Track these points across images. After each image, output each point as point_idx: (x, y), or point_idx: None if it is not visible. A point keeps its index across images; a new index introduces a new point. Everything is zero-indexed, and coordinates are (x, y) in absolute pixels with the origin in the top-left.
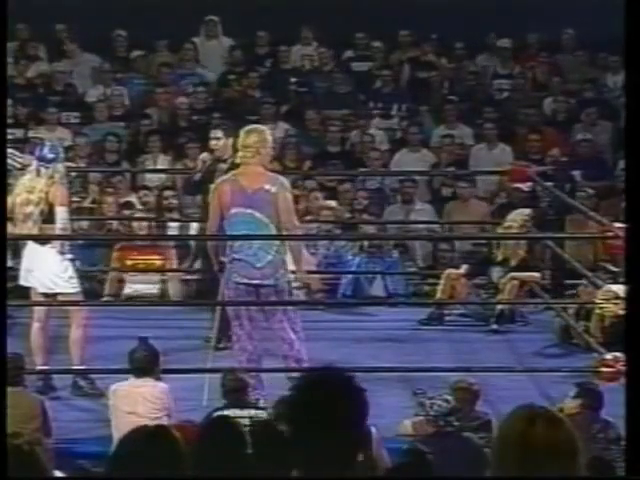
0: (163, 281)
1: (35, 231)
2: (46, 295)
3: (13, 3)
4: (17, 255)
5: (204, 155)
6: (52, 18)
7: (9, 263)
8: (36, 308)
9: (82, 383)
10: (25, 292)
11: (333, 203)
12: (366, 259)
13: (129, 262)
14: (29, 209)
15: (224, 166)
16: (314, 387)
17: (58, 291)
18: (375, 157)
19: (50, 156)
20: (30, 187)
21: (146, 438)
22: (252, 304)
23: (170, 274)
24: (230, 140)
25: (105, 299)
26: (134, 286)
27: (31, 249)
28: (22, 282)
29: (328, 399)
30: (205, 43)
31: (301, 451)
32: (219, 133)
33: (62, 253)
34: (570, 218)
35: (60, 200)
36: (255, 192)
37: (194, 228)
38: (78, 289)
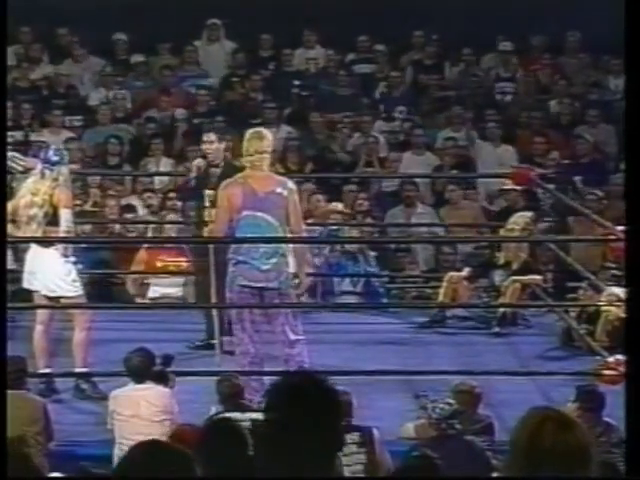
0: (185, 284)
1: (39, 233)
2: (49, 298)
3: (16, 6)
4: (20, 257)
5: (198, 161)
6: (55, 21)
7: (13, 266)
8: (39, 311)
9: (85, 386)
10: (28, 295)
11: (340, 206)
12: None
13: (159, 264)
14: (33, 211)
15: (217, 171)
16: (283, 391)
17: (61, 294)
18: (378, 160)
19: (55, 159)
20: (34, 189)
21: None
22: (254, 307)
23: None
24: (223, 144)
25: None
26: (159, 289)
27: (34, 252)
28: (25, 285)
29: (296, 402)
30: (207, 46)
31: (280, 452)
32: (212, 137)
33: (65, 256)
34: (575, 220)
35: (64, 203)
36: (267, 195)
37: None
38: (81, 292)
